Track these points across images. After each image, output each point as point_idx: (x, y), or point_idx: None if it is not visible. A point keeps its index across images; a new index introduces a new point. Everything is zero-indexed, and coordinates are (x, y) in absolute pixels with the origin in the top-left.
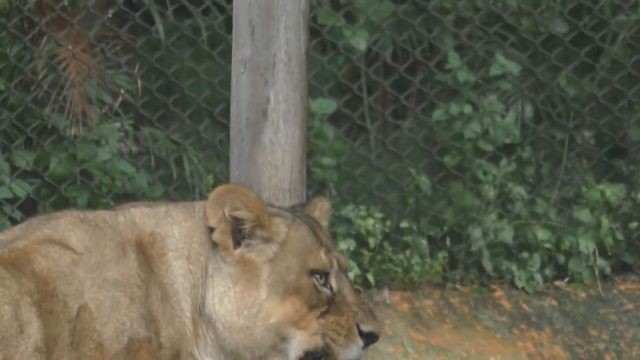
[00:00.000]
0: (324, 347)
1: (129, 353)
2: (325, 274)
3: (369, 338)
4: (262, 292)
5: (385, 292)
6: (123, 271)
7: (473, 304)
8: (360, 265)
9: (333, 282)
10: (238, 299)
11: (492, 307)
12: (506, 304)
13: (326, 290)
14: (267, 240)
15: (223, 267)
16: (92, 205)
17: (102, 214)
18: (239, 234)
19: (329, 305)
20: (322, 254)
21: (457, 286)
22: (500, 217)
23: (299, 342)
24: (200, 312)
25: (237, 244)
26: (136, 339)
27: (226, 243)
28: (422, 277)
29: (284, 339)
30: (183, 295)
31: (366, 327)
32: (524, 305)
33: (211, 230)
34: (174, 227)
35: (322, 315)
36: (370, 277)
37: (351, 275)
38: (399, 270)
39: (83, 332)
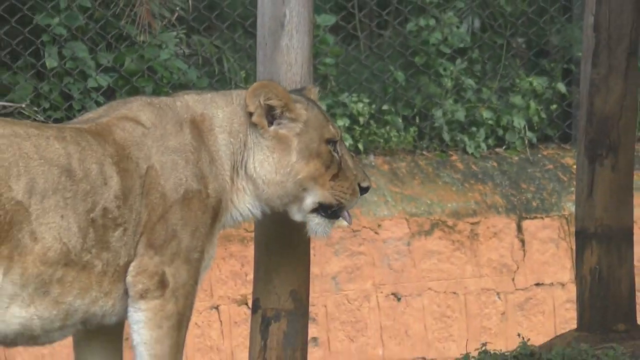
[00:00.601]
0: (336, 203)
1: (184, 200)
2: (334, 142)
3: (365, 190)
4: (293, 157)
5: (371, 157)
6: (180, 141)
7: (435, 165)
8: (352, 137)
9: (339, 149)
10: (276, 163)
11: (450, 167)
12: (460, 165)
13: (336, 155)
14: (293, 120)
15: (262, 141)
16: (156, 93)
17: (164, 99)
18: (271, 116)
19: (339, 169)
20: (331, 127)
21: (424, 152)
22: (456, 101)
23: (316, 194)
24: (237, 172)
25: (270, 124)
26: (190, 190)
27: (263, 123)
28: (398, 145)
29: (305, 189)
30: (225, 160)
31: (364, 184)
32: (473, 166)
33: (250, 114)
34: (218, 110)
35: (333, 178)
36: (360, 146)
37: (346, 144)
38: (381, 140)
39: (150, 185)
